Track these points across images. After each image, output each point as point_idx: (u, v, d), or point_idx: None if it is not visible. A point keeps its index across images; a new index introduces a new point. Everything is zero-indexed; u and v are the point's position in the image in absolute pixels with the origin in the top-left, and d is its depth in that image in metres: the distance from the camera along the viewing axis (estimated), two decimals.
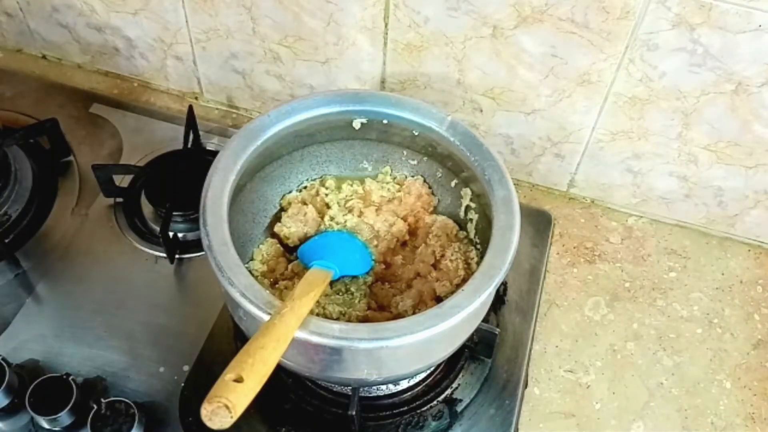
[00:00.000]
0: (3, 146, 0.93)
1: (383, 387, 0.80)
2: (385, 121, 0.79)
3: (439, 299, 0.75)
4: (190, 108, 0.98)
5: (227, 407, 0.52)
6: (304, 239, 0.81)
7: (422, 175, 0.85)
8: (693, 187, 0.94)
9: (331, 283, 0.76)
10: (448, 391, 0.80)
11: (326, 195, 0.84)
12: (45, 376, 0.75)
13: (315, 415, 0.78)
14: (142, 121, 1.04)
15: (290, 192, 0.85)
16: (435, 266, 0.79)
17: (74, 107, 1.05)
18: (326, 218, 0.82)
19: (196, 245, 0.90)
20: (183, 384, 0.79)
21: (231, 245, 0.66)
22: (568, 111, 0.90)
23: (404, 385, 0.80)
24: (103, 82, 1.12)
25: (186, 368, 0.80)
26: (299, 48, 0.96)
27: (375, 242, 0.81)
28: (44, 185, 0.95)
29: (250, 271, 0.67)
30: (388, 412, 0.79)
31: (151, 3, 0.98)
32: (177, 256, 0.89)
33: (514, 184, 0.73)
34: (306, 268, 0.76)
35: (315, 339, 0.61)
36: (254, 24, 0.95)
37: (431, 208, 0.84)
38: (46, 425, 0.75)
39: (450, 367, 0.82)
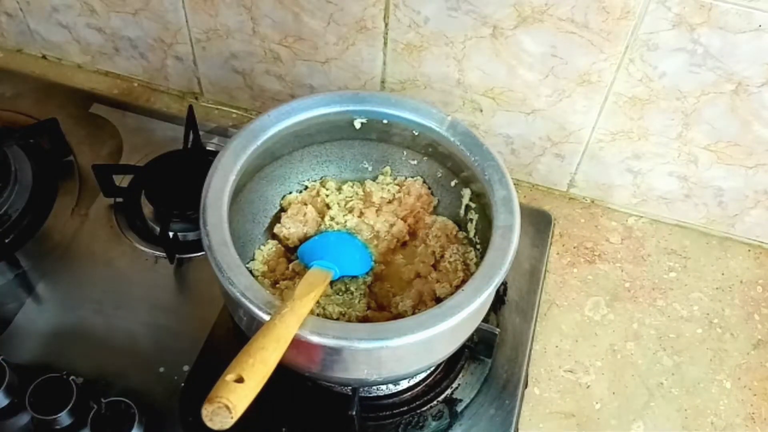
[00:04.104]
0: (3, 146, 0.93)
1: (383, 387, 0.80)
2: (385, 121, 0.79)
3: (438, 300, 0.75)
4: (190, 108, 0.98)
5: (228, 408, 0.52)
6: (304, 239, 0.81)
7: (422, 176, 0.85)
8: (693, 187, 0.94)
9: (331, 283, 0.76)
10: (448, 391, 0.80)
11: (326, 196, 0.84)
12: (45, 376, 0.75)
13: (315, 415, 0.78)
14: (142, 121, 1.04)
15: (290, 192, 0.85)
16: (435, 267, 0.79)
17: (74, 107, 1.04)
18: (326, 218, 0.82)
19: (196, 245, 0.90)
20: (183, 384, 0.79)
21: (231, 245, 0.66)
22: (568, 111, 0.90)
23: (404, 385, 0.80)
24: (103, 82, 1.12)
25: (186, 368, 0.80)
26: (299, 48, 0.96)
27: (375, 242, 0.82)
28: (44, 185, 0.95)
29: (250, 271, 0.67)
30: (388, 412, 0.79)
31: (151, 3, 0.98)
32: (177, 256, 0.89)
33: (514, 184, 0.73)
34: (306, 268, 0.76)
35: (315, 339, 0.62)
36: (254, 24, 0.95)
37: (431, 209, 0.84)
38: (46, 425, 0.75)
39: (450, 367, 0.82)
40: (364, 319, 0.75)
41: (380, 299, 0.78)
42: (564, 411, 0.83)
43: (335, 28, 0.91)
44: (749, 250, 0.98)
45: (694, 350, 0.88)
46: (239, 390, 0.53)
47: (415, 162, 0.85)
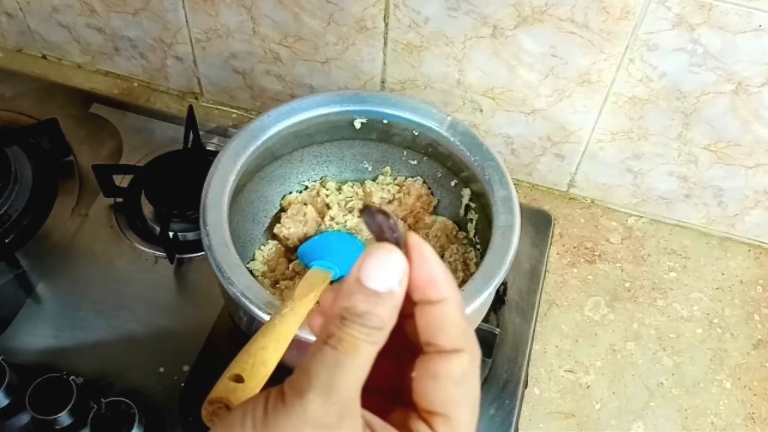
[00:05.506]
0: (3, 146, 0.93)
1: None
2: (385, 121, 0.79)
3: None
4: (190, 108, 0.98)
5: (228, 408, 0.52)
6: (304, 239, 0.81)
7: (422, 176, 0.85)
8: (693, 187, 0.94)
9: (331, 283, 0.76)
10: None
11: (326, 196, 0.84)
12: (45, 376, 0.75)
13: None
14: (142, 121, 1.04)
15: (290, 192, 0.85)
16: None
17: (74, 107, 1.04)
18: (326, 218, 0.82)
19: (196, 245, 0.90)
20: (183, 384, 0.79)
21: (231, 245, 0.66)
22: (568, 111, 0.90)
23: None
24: (103, 82, 1.12)
25: (186, 368, 0.80)
26: (299, 48, 0.96)
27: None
28: (44, 185, 0.95)
29: (250, 271, 0.67)
30: None
31: (151, 3, 0.98)
32: (177, 256, 0.89)
33: (514, 184, 0.73)
34: (306, 268, 0.76)
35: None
36: (254, 24, 0.95)
37: (431, 209, 0.84)
38: (46, 425, 0.75)
39: None
40: None
41: None
42: (564, 411, 0.83)
43: (335, 28, 0.91)
44: (749, 250, 0.98)
45: (694, 350, 0.88)
46: (239, 390, 0.53)
47: (415, 162, 0.85)
